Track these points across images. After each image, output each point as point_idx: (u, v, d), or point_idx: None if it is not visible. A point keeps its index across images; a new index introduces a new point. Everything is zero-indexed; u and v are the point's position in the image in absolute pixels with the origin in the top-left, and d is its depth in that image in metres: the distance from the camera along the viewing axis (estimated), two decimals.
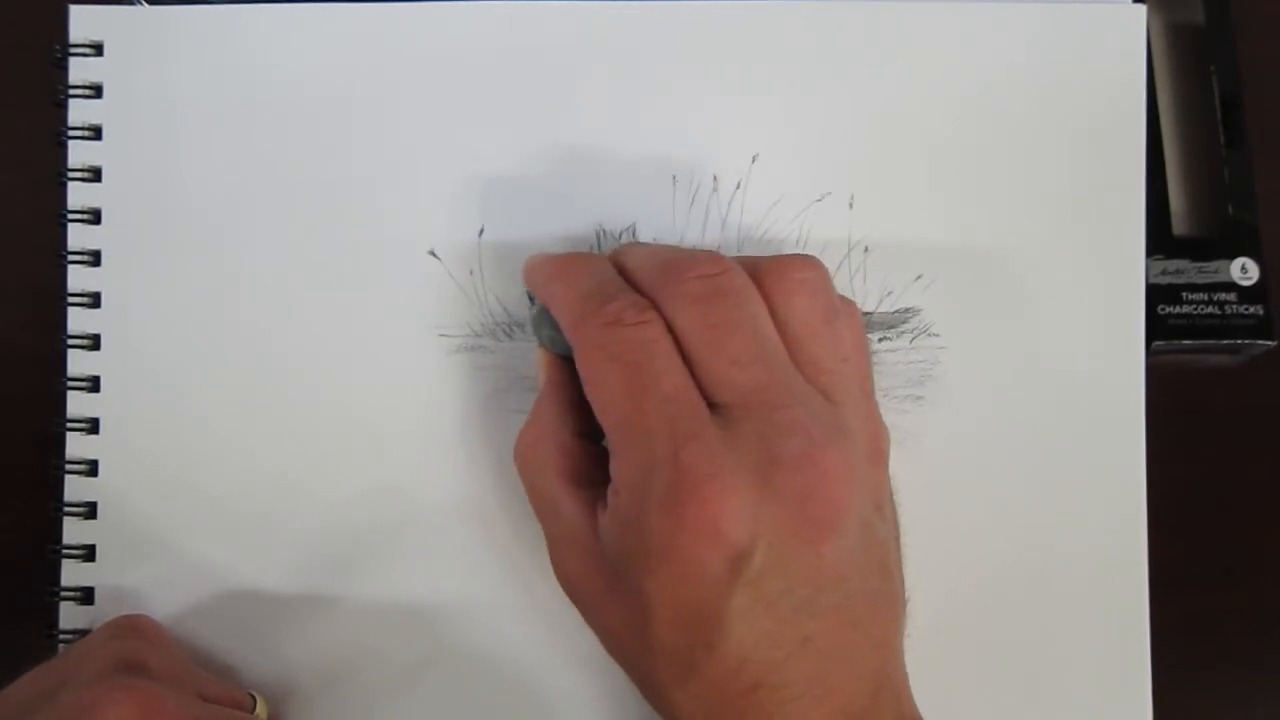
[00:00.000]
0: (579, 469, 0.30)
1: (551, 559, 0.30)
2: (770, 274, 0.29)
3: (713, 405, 0.27)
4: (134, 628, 0.33)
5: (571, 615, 0.34)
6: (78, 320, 0.36)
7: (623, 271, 0.30)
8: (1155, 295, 0.38)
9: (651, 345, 0.28)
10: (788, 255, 0.30)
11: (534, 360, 0.33)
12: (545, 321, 0.31)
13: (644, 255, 0.30)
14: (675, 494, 0.26)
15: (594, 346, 0.28)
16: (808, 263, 0.30)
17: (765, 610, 0.26)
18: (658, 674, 0.28)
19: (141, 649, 0.31)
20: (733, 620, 0.26)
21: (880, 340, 0.36)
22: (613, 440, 0.28)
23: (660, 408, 0.27)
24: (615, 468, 0.28)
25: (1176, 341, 0.38)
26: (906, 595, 0.30)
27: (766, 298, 0.29)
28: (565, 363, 0.31)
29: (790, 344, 0.29)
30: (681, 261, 0.29)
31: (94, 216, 0.36)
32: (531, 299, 0.35)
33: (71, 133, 0.36)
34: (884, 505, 0.30)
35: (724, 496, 0.26)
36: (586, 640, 0.34)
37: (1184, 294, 0.39)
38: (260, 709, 0.33)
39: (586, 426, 0.30)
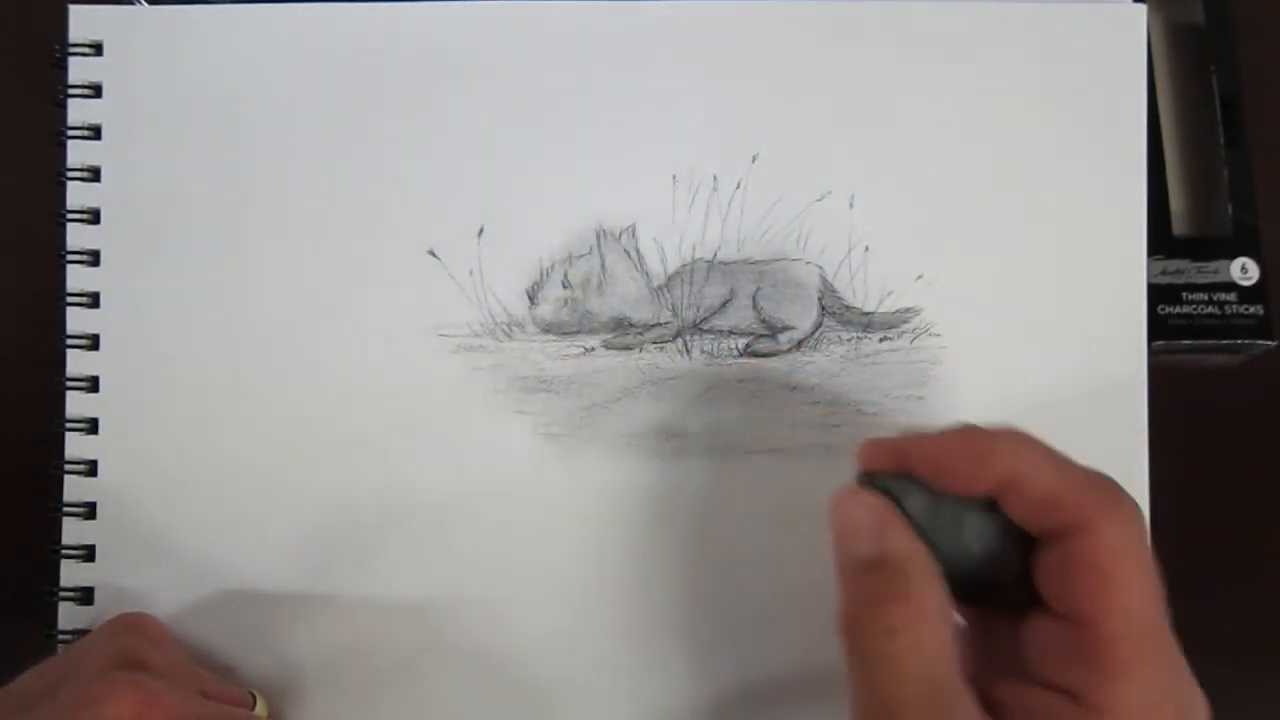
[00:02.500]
0: (968, 673, 0.25)
1: None
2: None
3: None
4: (135, 625, 0.33)
5: (569, 613, 0.34)
6: (77, 320, 0.36)
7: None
8: (1155, 295, 0.38)
9: (1151, 556, 0.26)
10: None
11: (857, 510, 0.26)
12: (967, 513, 0.26)
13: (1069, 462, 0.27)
14: None
15: (1124, 542, 0.25)
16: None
17: None
18: None
19: (142, 646, 0.31)
20: None
21: (880, 340, 0.36)
22: (1121, 655, 0.24)
23: (1167, 631, 0.25)
24: (1117, 689, 0.24)
25: (1176, 341, 0.38)
26: None
27: None
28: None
29: None
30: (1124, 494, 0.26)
31: (93, 216, 0.36)
32: (532, 298, 0.35)
33: (71, 133, 0.36)
34: None
35: None
36: (582, 637, 0.34)
37: (1184, 294, 0.39)
38: (260, 707, 0.33)
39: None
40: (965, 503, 0.26)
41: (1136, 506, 0.26)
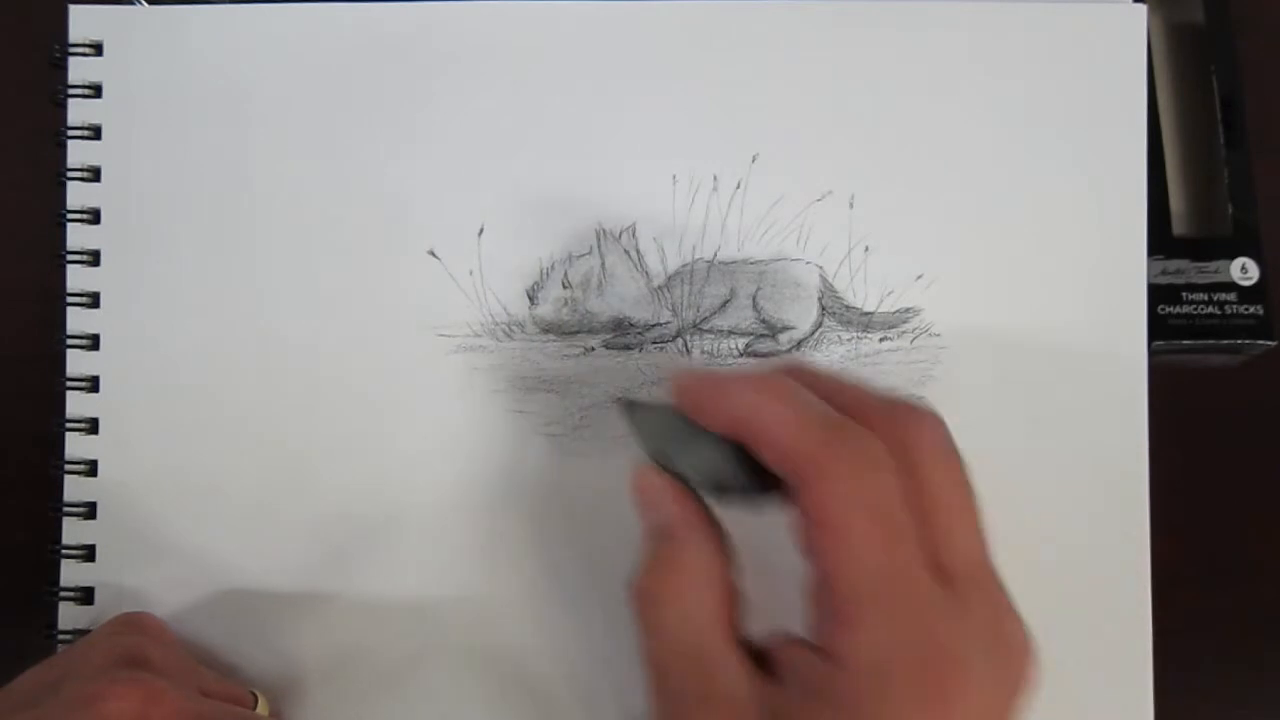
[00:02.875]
0: (738, 625, 0.26)
1: None
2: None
3: (937, 569, 0.25)
4: (137, 624, 0.33)
5: (567, 611, 0.34)
6: (77, 320, 0.36)
7: (835, 400, 0.26)
8: (1155, 295, 0.38)
9: (900, 496, 0.24)
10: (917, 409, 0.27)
11: (639, 483, 0.28)
12: (697, 443, 0.27)
13: (857, 386, 0.27)
14: (927, 678, 0.23)
15: (847, 487, 0.24)
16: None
17: None
18: None
19: (144, 644, 0.31)
20: None
21: (880, 340, 0.36)
22: (846, 601, 0.24)
23: (911, 571, 0.24)
24: (843, 635, 0.24)
25: (1176, 341, 0.38)
26: None
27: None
28: (694, 493, 0.27)
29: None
30: (921, 407, 0.26)
31: (93, 216, 0.36)
32: (532, 298, 0.35)
33: (71, 133, 0.36)
34: None
35: (967, 684, 0.24)
36: (581, 635, 0.34)
37: (1184, 294, 0.39)
38: (261, 706, 0.33)
39: (734, 575, 0.27)
40: (717, 439, 0.27)
41: (875, 448, 0.25)
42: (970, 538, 0.25)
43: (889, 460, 0.25)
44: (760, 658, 0.26)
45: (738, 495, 0.27)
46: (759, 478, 0.26)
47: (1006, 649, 0.25)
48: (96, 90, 0.36)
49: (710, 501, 0.28)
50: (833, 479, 0.24)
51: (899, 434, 0.25)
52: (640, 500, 0.28)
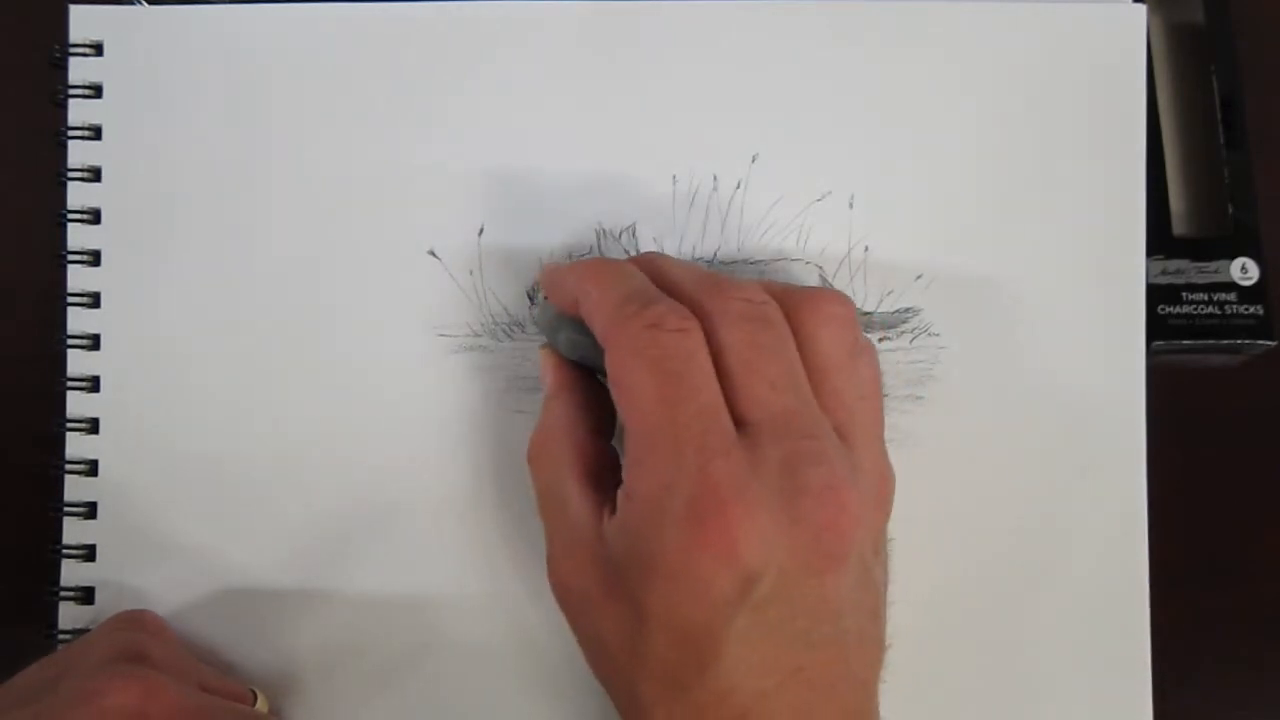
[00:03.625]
0: (591, 468, 0.30)
1: (549, 558, 0.30)
2: (802, 306, 0.29)
3: (738, 424, 0.27)
4: (136, 621, 0.33)
5: None
6: (77, 320, 0.36)
7: (660, 281, 0.30)
8: (1155, 295, 0.38)
9: (691, 355, 0.27)
10: (818, 289, 0.30)
11: (540, 361, 0.32)
12: (562, 324, 0.31)
13: (684, 268, 0.30)
14: (696, 509, 0.26)
15: (631, 349, 0.27)
16: (838, 297, 0.30)
17: (763, 637, 0.26)
18: (643, 691, 0.27)
19: (144, 640, 0.31)
20: (730, 643, 0.26)
21: (880, 340, 0.36)
22: (635, 445, 0.27)
23: (693, 419, 0.26)
24: (633, 474, 0.27)
25: (1176, 341, 0.38)
26: (887, 642, 0.30)
27: (796, 328, 0.29)
28: (573, 365, 0.32)
29: (814, 376, 0.29)
30: (728, 281, 0.29)
31: (94, 216, 0.36)
32: (531, 298, 0.35)
33: (71, 133, 0.36)
34: (880, 550, 0.30)
35: (746, 518, 0.25)
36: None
37: (1184, 294, 0.39)
38: (261, 704, 0.33)
39: (599, 427, 0.31)
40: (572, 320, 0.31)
41: (666, 318, 0.27)
42: (765, 392, 0.27)
43: (679, 324, 0.27)
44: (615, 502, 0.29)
45: (597, 366, 0.30)
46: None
47: (801, 492, 0.26)
48: (96, 90, 0.36)
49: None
50: (622, 339, 0.28)
51: (703, 304, 0.28)
52: (540, 376, 0.33)
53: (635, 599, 0.27)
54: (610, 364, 0.28)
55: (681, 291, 0.29)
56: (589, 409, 0.31)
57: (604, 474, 0.30)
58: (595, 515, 0.29)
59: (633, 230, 0.36)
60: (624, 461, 0.28)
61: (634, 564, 0.27)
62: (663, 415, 0.27)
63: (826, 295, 0.30)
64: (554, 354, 0.32)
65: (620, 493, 0.28)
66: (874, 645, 0.29)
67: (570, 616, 0.30)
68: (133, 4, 0.37)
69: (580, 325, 0.30)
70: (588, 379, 0.32)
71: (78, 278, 0.36)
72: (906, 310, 0.36)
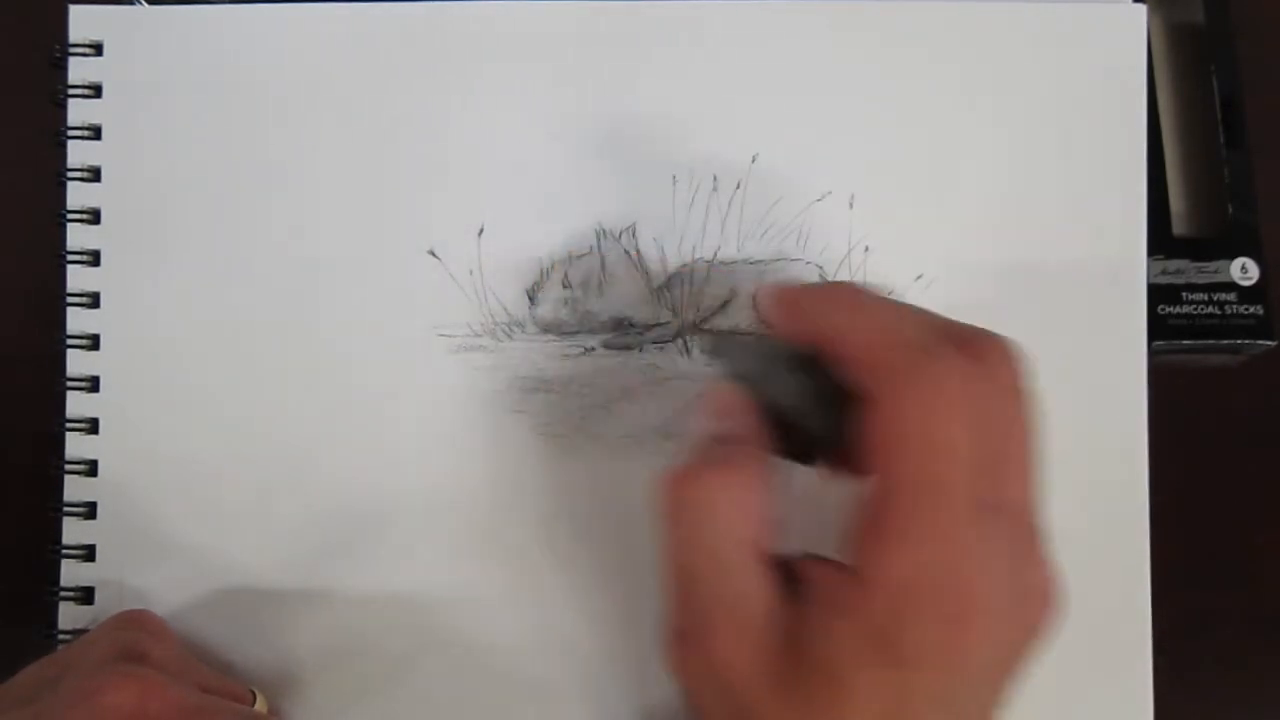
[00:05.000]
0: (768, 544, 0.25)
1: (689, 633, 0.26)
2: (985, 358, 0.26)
3: (987, 500, 0.24)
4: (136, 620, 0.33)
5: (568, 612, 0.34)
6: (77, 320, 0.36)
7: (914, 322, 0.26)
8: (1155, 295, 0.38)
9: (967, 425, 0.24)
10: (987, 336, 0.26)
11: (718, 397, 0.28)
12: (766, 371, 0.27)
13: (935, 315, 0.26)
14: (954, 611, 0.23)
15: (919, 409, 0.24)
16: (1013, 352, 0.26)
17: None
18: None
19: (143, 640, 0.31)
20: None
21: None
22: (894, 524, 0.24)
23: (959, 498, 0.23)
24: (880, 557, 0.24)
25: (1176, 341, 0.38)
26: None
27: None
28: (758, 411, 0.27)
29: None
30: (1002, 337, 0.26)
31: (93, 216, 0.36)
32: (532, 298, 0.35)
33: (71, 133, 0.36)
34: None
35: (990, 625, 0.24)
36: (578, 631, 0.34)
37: (1184, 294, 0.39)
38: (260, 704, 0.33)
39: (771, 498, 0.26)
40: (788, 357, 0.27)
41: (952, 380, 0.24)
42: (1019, 477, 0.25)
43: (965, 387, 0.24)
44: (786, 578, 0.25)
45: (801, 425, 0.27)
46: (824, 410, 0.26)
47: (1029, 592, 0.25)
48: (96, 90, 0.36)
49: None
50: (911, 396, 0.24)
51: (974, 362, 0.25)
52: (707, 411, 0.27)
53: (844, 698, 0.23)
54: (889, 416, 0.24)
55: (953, 338, 0.25)
56: (770, 475, 0.26)
57: (771, 547, 0.26)
58: (777, 597, 0.25)
59: (633, 230, 0.36)
60: (851, 536, 0.24)
61: (854, 658, 0.23)
62: (936, 489, 0.23)
63: (1007, 348, 0.26)
64: (745, 394, 0.27)
65: (830, 572, 0.25)
66: None
67: (712, 699, 0.25)
68: (133, 4, 0.37)
69: (797, 373, 0.27)
70: (771, 442, 0.27)
71: (77, 278, 0.36)
72: None
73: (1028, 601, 0.25)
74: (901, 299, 0.36)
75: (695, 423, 0.28)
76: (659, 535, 0.26)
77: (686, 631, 0.26)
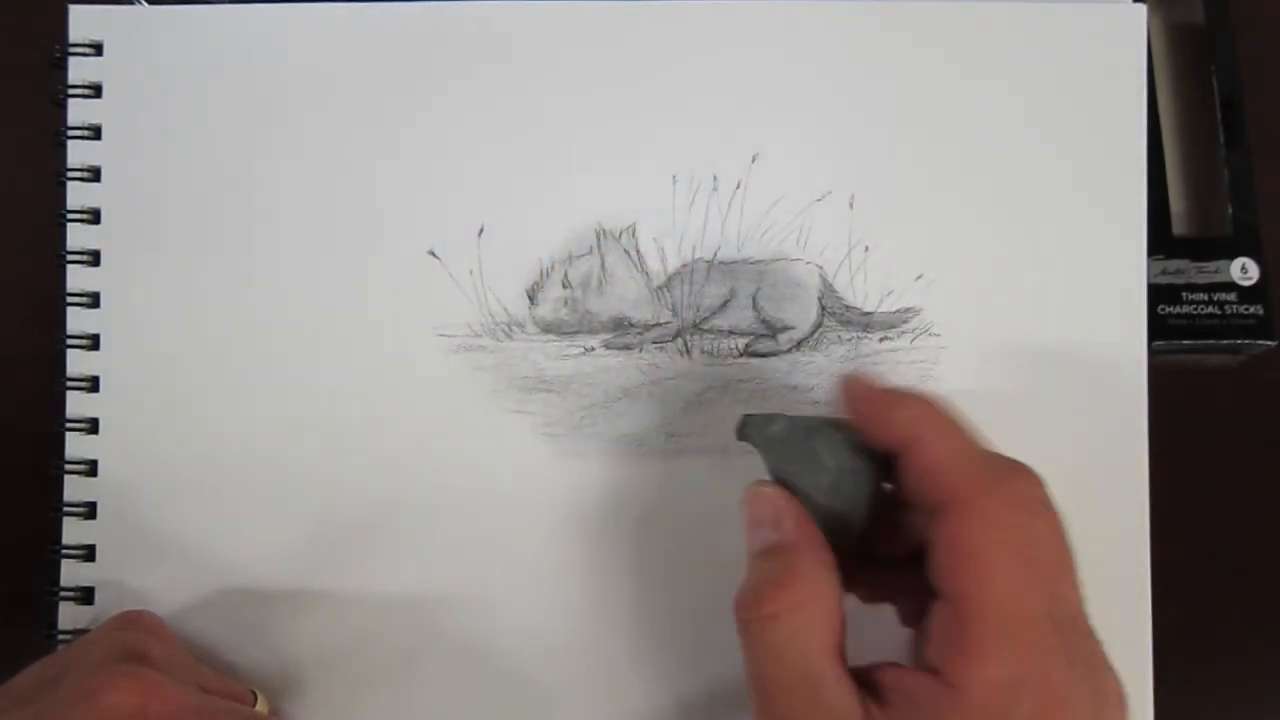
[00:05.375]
0: (844, 649, 0.26)
1: None
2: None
3: (1058, 618, 0.25)
4: (136, 621, 0.33)
5: (567, 612, 0.34)
6: (77, 320, 0.36)
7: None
8: (1155, 295, 0.38)
9: (1046, 542, 0.26)
10: (1007, 467, 0.27)
11: (758, 504, 0.28)
12: (816, 463, 0.27)
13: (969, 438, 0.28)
14: (1049, 707, 0.24)
15: (998, 524, 0.25)
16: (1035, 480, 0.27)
17: None
18: None
19: (144, 640, 0.31)
20: None
21: (880, 340, 0.36)
22: (980, 635, 0.25)
23: (1039, 614, 0.25)
24: (969, 666, 0.24)
25: (1176, 341, 0.38)
26: None
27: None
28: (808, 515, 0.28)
29: None
30: (1022, 464, 0.27)
31: (93, 216, 0.36)
32: (532, 298, 0.35)
33: (71, 133, 0.36)
34: None
35: None
36: (580, 635, 0.34)
37: (1184, 294, 0.39)
38: (260, 704, 0.33)
39: (841, 600, 0.27)
40: (851, 454, 0.28)
41: (1033, 492, 0.26)
42: (1074, 590, 0.26)
43: (1039, 508, 0.26)
44: (865, 686, 0.26)
45: (847, 519, 0.27)
46: (873, 500, 0.28)
47: (1106, 696, 0.26)
48: (96, 90, 0.36)
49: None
50: (988, 511, 0.25)
51: (1027, 483, 0.26)
52: (753, 515, 0.28)
53: None
54: (969, 531, 0.25)
55: (1004, 462, 0.27)
56: (835, 570, 0.27)
57: (845, 650, 0.26)
58: (859, 706, 0.25)
59: (633, 230, 0.36)
60: (936, 646, 0.25)
61: None
62: (1020, 608, 0.25)
63: (1032, 472, 0.27)
64: (789, 498, 0.28)
65: (921, 681, 0.25)
66: None
67: None
68: (133, 4, 0.37)
69: (853, 467, 0.27)
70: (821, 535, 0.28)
71: (77, 278, 0.36)
72: (906, 310, 0.36)
73: (1106, 705, 0.26)
74: (899, 296, 0.36)
75: (748, 533, 0.28)
76: (741, 655, 0.27)
77: None
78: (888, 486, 0.28)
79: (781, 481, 0.28)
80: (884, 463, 0.28)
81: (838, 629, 0.26)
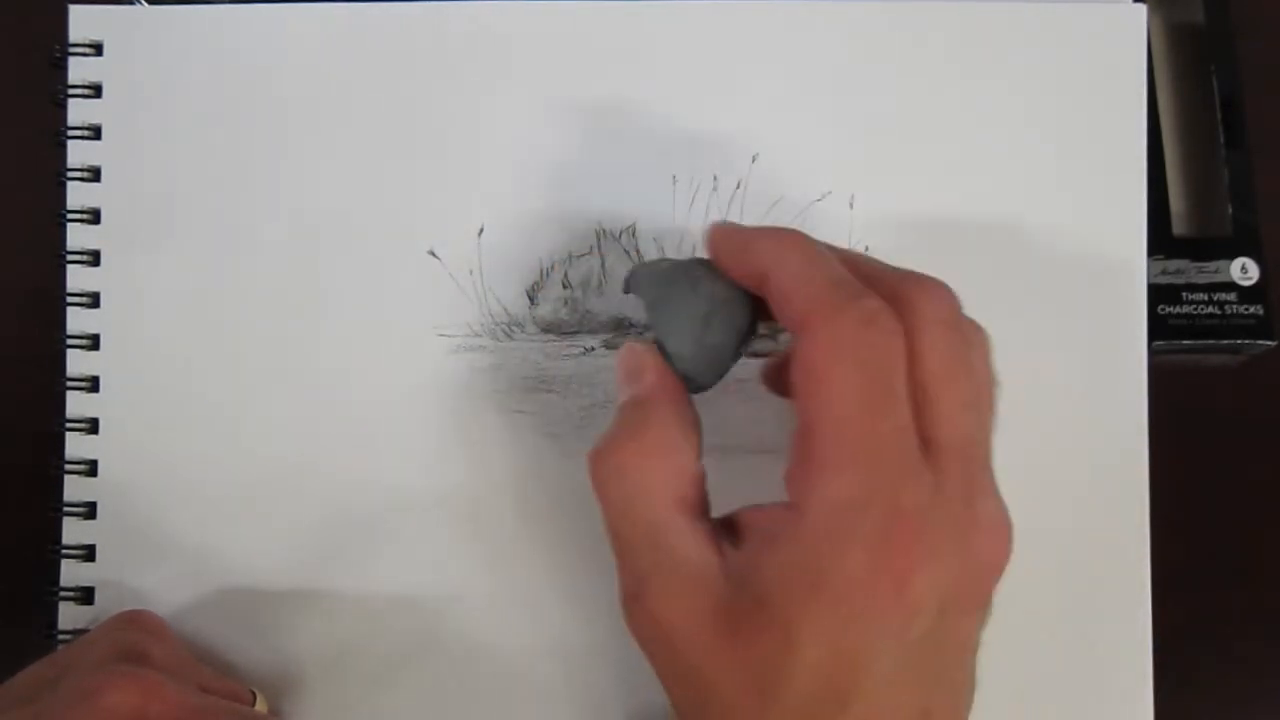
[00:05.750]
0: (698, 499, 0.26)
1: (631, 595, 0.26)
2: (912, 302, 0.26)
3: (924, 442, 0.25)
4: (136, 620, 0.33)
5: (567, 612, 0.34)
6: (77, 320, 0.36)
7: (854, 269, 0.27)
8: (1155, 295, 0.38)
9: (898, 362, 0.25)
10: (917, 277, 0.27)
11: (626, 358, 0.28)
12: (689, 295, 0.28)
13: (875, 263, 0.27)
14: (887, 536, 0.23)
15: (840, 342, 0.24)
16: (944, 292, 0.27)
17: (905, 675, 0.24)
18: None
19: (144, 640, 0.31)
20: (875, 680, 0.24)
21: None
22: (823, 452, 0.24)
23: (892, 434, 0.24)
24: (813, 484, 0.24)
25: (1176, 341, 0.38)
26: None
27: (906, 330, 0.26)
28: (673, 370, 0.28)
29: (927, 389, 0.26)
30: (931, 279, 0.27)
31: (93, 216, 0.36)
32: (532, 298, 0.35)
33: (71, 133, 0.36)
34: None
35: (930, 554, 0.24)
36: (578, 631, 0.34)
37: (1184, 294, 0.39)
38: (260, 704, 0.33)
39: (699, 447, 0.27)
40: (703, 273, 0.28)
41: (881, 315, 0.25)
42: (958, 412, 0.25)
43: (892, 325, 0.25)
44: (729, 533, 0.26)
45: (720, 351, 0.28)
46: (745, 337, 0.28)
47: (975, 526, 0.25)
48: (96, 90, 0.36)
49: (692, 366, 0.28)
50: (833, 330, 0.25)
51: (905, 302, 0.25)
52: (621, 372, 0.28)
53: (782, 628, 0.23)
54: (812, 349, 0.25)
55: (882, 284, 0.26)
56: (693, 424, 0.27)
57: (703, 501, 0.27)
58: (711, 548, 0.25)
59: (633, 230, 0.36)
60: (791, 468, 0.25)
61: (788, 587, 0.24)
62: (864, 425, 0.24)
63: (933, 290, 0.27)
64: (654, 351, 0.28)
65: (767, 513, 0.25)
66: (973, 690, 0.27)
67: (662, 659, 0.26)
68: (133, 4, 0.37)
69: (722, 297, 0.28)
70: (684, 389, 0.28)
71: (77, 278, 0.36)
72: None
73: (974, 533, 0.25)
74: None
75: (617, 389, 0.28)
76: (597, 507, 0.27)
77: (631, 596, 0.26)
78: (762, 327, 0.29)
79: (657, 320, 0.28)
80: (759, 300, 0.28)
81: (690, 481, 0.26)
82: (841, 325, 0.25)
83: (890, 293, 0.26)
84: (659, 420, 0.27)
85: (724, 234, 0.28)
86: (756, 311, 0.28)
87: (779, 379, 0.30)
